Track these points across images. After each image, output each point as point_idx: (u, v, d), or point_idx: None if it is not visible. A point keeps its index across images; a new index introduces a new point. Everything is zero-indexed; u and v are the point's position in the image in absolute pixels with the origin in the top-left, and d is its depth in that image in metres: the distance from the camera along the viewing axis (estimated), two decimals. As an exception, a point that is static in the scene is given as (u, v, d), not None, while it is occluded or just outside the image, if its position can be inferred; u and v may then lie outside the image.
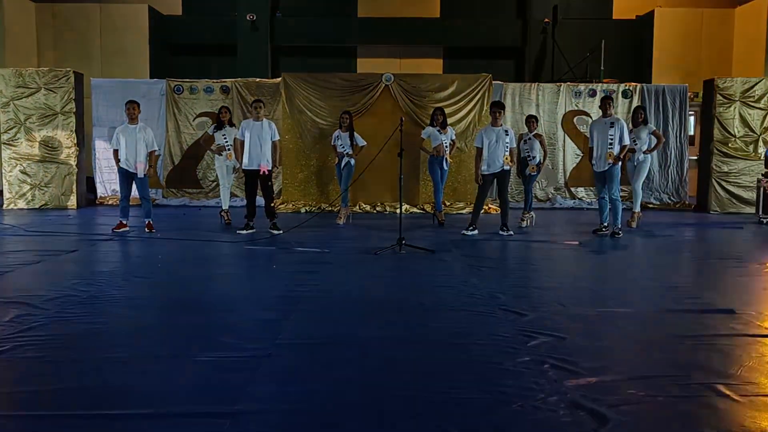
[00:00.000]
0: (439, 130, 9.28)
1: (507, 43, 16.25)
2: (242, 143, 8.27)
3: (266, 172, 8.23)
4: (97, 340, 3.80)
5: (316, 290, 5.15)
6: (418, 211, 11.01)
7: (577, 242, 7.80)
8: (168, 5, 16.03)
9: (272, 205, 8.50)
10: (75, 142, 11.12)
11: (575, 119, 11.93)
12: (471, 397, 2.98)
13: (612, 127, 8.02)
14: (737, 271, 6.15)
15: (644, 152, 8.95)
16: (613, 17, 16.19)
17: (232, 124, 9.19)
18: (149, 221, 8.31)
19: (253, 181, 8.32)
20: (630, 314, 4.56)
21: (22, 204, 11.07)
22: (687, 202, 11.93)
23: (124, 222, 8.28)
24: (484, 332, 4.00)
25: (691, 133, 12.94)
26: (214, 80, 11.95)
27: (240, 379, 3.17)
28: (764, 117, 11.16)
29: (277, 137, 8.42)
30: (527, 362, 3.44)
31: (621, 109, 11.71)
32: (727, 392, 3.05)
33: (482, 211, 8.76)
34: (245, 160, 8.25)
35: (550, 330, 4.02)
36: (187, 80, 12.00)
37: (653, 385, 3.14)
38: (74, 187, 11.15)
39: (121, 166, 8.20)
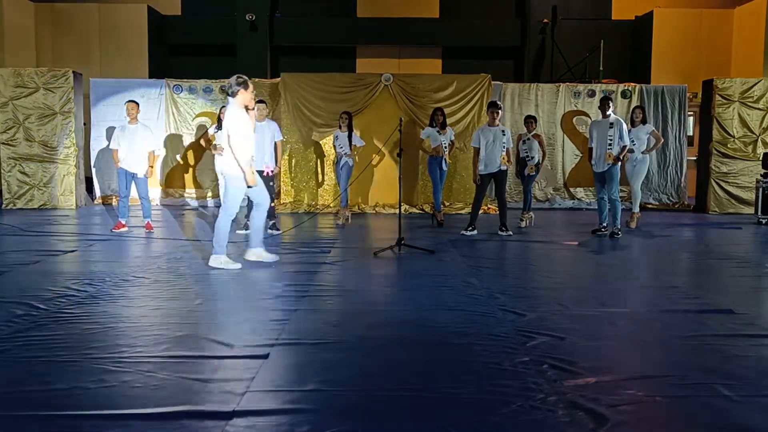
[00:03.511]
0: (438, 131, 9.27)
1: (506, 43, 16.27)
2: None
3: (270, 173, 8.23)
4: (97, 340, 3.80)
5: (317, 290, 5.15)
6: (418, 211, 11.01)
7: (576, 242, 7.81)
8: (167, 5, 16.04)
9: (272, 205, 8.49)
10: (74, 141, 11.11)
11: (574, 119, 11.93)
12: (471, 397, 2.98)
13: (611, 127, 8.03)
14: (737, 271, 6.16)
15: (643, 152, 8.98)
16: (613, 18, 16.22)
17: (232, 124, 9.17)
18: (148, 221, 8.31)
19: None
20: (629, 314, 4.57)
21: (21, 204, 11.05)
22: (686, 203, 11.93)
23: (123, 222, 8.28)
24: (483, 332, 4.00)
25: (690, 133, 12.95)
26: (214, 80, 11.94)
27: (240, 379, 3.17)
28: (763, 117, 11.17)
29: (281, 137, 8.43)
30: (526, 362, 3.44)
31: (620, 109, 11.70)
32: (727, 392, 3.05)
33: (481, 211, 8.76)
34: None
35: (549, 330, 4.02)
36: (187, 80, 11.99)
37: (653, 385, 3.14)
38: (73, 187, 11.14)
39: (120, 166, 8.20)
